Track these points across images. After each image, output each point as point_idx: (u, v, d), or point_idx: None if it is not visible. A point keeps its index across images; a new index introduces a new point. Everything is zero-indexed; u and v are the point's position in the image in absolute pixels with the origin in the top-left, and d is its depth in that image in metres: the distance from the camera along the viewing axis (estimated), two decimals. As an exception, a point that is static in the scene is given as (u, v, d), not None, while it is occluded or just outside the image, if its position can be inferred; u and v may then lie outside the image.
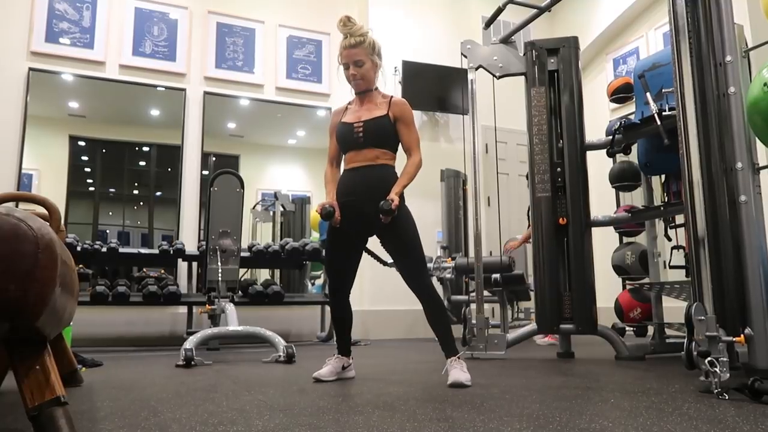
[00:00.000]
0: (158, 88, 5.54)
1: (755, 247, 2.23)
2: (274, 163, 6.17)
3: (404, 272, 2.36)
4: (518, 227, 5.88)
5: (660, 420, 1.50)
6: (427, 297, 2.34)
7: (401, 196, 2.31)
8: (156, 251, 4.95)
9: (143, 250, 5.12)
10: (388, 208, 2.22)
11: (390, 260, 2.65)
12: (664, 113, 2.94)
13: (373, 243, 2.47)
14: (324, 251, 2.54)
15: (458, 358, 2.30)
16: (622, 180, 3.71)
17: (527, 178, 3.65)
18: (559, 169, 3.45)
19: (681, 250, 3.48)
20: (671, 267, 3.58)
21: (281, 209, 5.95)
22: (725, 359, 1.98)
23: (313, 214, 5.99)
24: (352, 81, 2.45)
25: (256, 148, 6.14)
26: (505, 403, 1.80)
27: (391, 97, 2.48)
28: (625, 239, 4.38)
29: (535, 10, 3.69)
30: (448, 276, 4.90)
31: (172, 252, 4.90)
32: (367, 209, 2.33)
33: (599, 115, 6.04)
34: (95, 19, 5.36)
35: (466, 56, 3.70)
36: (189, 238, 5.35)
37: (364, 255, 2.56)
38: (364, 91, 2.47)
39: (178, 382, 2.39)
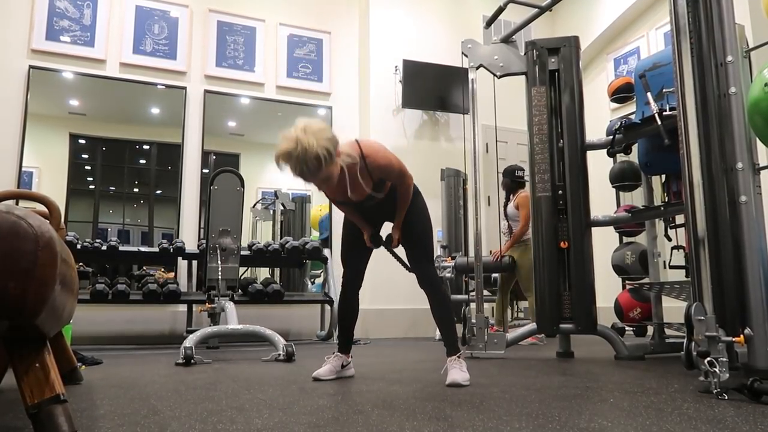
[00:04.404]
0: (159, 87, 5.54)
1: (755, 247, 2.23)
2: (274, 161, 6.15)
3: (411, 261, 2.42)
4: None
5: (659, 420, 1.50)
6: (430, 287, 2.38)
7: (416, 191, 2.38)
8: (156, 249, 4.95)
9: (143, 249, 5.12)
10: (389, 243, 2.42)
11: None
12: (664, 113, 2.94)
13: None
14: (340, 245, 2.55)
15: (458, 357, 2.30)
16: (622, 180, 3.71)
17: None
18: (559, 169, 3.45)
19: (681, 250, 3.48)
20: (671, 267, 3.57)
21: (281, 208, 5.94)
22: (725, 359, 1.98)
23: (313, 213, 6.00)
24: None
25: (256, 147, 6.14)
26: (505, 402, 1.80)
27: (363, 157, 2.16)
28: (625, 239, 4.37)
29: (536, 10, 3.68)
30: (448, 275, 4.90)
31: (172, 250, 4.90)
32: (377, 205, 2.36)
33: (600, 115, 6.03)
34: (96, 17, 5.36)
35: (466, 55, 3.70)
36: (189, 237, 5.35)
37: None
38: None
39: (177, 381, 2.39)
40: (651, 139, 3.32)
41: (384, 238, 2.44)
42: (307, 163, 1.93)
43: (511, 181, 4.80)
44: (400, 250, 2.47)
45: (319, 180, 2.05)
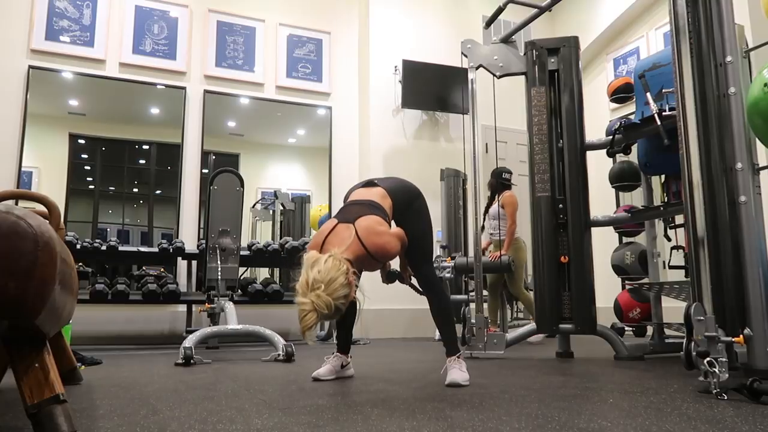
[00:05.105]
0: (158, 87, 5.53)
1: (755, 247, 2.23)
2: (274, 161, 6.16)
3: (411, 262, 2.43)
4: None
5: (659, 420, 1.50)
6: (429, 287, 2.39)
7: (417, 193, 2.44)
8: (156, 249, 4.95)
9: (143, 249, 5.12)
10: (402, 279, 2.47)
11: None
12: (664, 113, 2.94)
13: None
14: None
15: (458, 357, 2.30)
16: (622, 180, 3.71)
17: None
18: (559, 169, 3.45)
19: (680, 251, 3.48)
20: (671, 267, 3.58)
21: (281, 208, 5.94)
22: (724, 359, 1.98)
23: (313, 213, 5.99)
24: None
25: (256, 147, 6.14)
26: (504, 402, 1.80)
27: (370, 255, 2.11)
28: (625, 239, 4.38)
29: (536, 10, 3.68)
30: (448, 275, 4.91)
31: (171, 250, 4.90)
32: None
33: (599, 115, 6.03)
34: (95, 17, 5.36)
35: (466, 55, 3.70)
36: (189, 237, 5.35)
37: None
38: None
39: (177, 381, 2.39)
40: (650, 140, 3.32)
41: (396, 274, 2.48)
42: (333, 315, 1.94)
43: (497, 182, 4.85)
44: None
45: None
